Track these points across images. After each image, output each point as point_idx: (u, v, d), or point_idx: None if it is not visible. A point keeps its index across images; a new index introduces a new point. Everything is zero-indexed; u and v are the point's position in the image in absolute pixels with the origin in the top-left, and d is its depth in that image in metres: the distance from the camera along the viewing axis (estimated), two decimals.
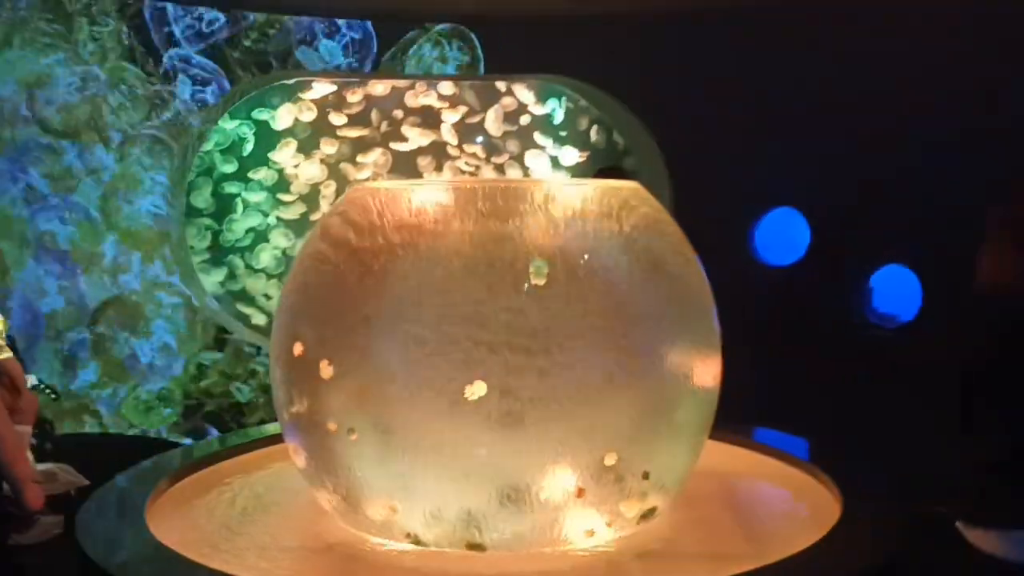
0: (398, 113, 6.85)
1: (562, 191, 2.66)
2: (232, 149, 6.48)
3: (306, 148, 6.67)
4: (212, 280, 6.41)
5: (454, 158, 6.99)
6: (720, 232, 5.94)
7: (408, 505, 2.51)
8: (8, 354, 3.96)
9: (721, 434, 3.39)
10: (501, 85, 6.93)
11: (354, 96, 6.71)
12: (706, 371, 2.71)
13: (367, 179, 6.73)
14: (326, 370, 2.51)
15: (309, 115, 6.61)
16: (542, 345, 2.46)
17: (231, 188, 6.46)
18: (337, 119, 6.70)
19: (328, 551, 2.56)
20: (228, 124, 6.40)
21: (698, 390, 2.66)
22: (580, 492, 2.52)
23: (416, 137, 6.88)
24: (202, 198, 6.40)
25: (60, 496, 3.79)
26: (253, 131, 6.51)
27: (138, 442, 5.35)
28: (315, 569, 2.45)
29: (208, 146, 6.35)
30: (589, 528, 2.56)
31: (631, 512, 2.61)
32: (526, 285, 2.49)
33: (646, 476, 2.56)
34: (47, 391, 4.93)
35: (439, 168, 6.96)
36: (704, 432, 2.80)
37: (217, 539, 2.58)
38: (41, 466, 4.41)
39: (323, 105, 6.67)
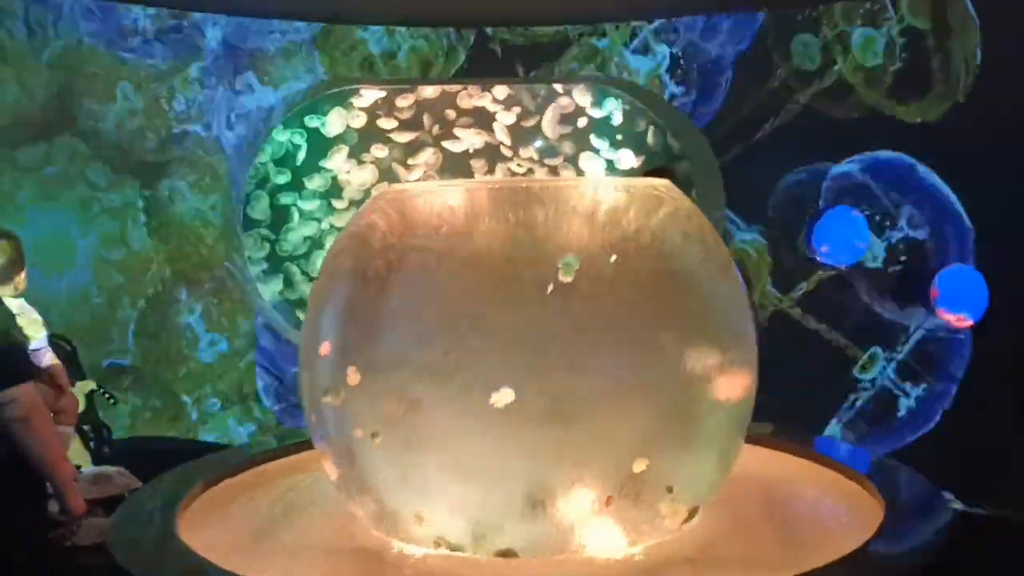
0: (450, 114, 6.87)
1: (590, 190, 2.62)
2: (285, 160, 6.58)
3: (357, 153, 6.75)
4: (271, 289, 6.52)
5: (508, 159, 6.98)
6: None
7: (434, 511, 2.48)
8: (51, 355, 4.05)
9: (766, 439, 3.36)
10: (558, 87, 6.91)
11: (404, 100, 6.75)
12: (737, 375, 2.62)
13: (417, 180, 6.79)
14: (352, 376, 2.51)
15: (359, 121, 6.67)
16: (568, 348, 2.42)
17: (286, 198, 6.57)
18: (387, 123, 6.75)
19: (355, 554, 2.56)
20: (281, 136, 6.50)
21: (729, 394, 2.58)
22: (608, 500, 2.47)
23: (469, 138, 6.89)
24: (259, 209, 6.51)
25: (116, 498, 3.89)
26: (305, 139, 6.60)
27: (193, 445, 5.45)
28: (339, 572, 2.44)
29: (263, 158, 6.47)
30: (618, 535, 2.50)
31: (661, 519, 2.55)
32: (550, 287, 2.46)
33: (669, 490, 2.50)
34: (105, 396, 5.06)
35: (492, 170, 6.96)
36: (739, 436, 2.72)
37: (247, 542, 2.59)
38: (97, 469, 4.54)
39: (373, 110, 6.74)
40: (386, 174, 6.79)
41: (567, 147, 7.02)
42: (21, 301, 3.82)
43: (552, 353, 2.42)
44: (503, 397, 2.38)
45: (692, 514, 2.66)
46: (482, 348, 2.43)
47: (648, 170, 5.61)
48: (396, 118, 6.78)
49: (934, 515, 2.67)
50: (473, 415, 2.39)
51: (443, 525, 2.49)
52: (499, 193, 2.60)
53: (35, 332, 3.99)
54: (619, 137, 6.93)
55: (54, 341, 5.29)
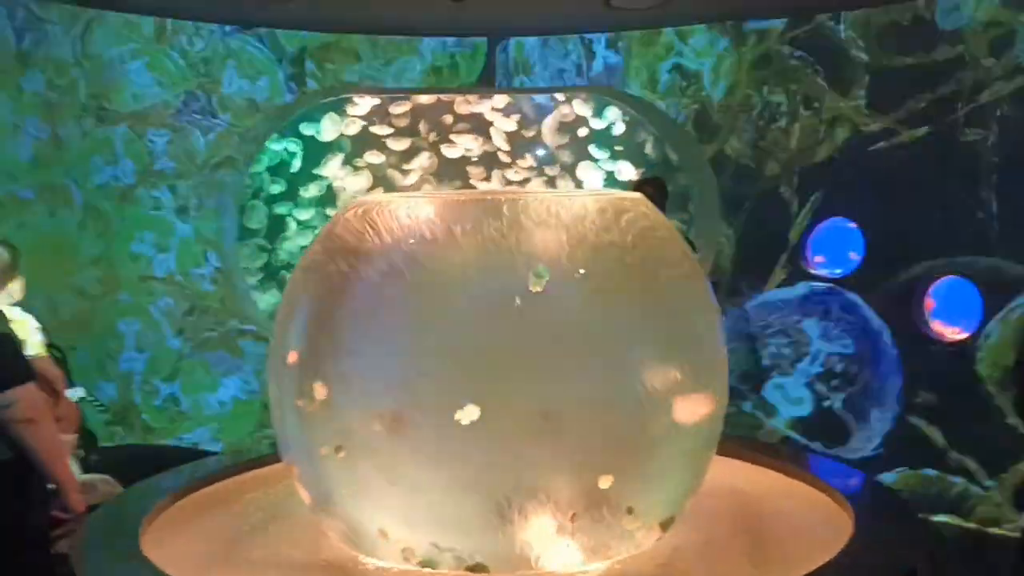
0: (447, 119, 6.88)
1: (560, 203, 2.61)
2: (280, 169, 6.61)
3: (352, 160, 6.77)
4: (266, 299, 6.54)
5: (505, 167, 6.99)
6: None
7: (398, 526, 2.47)
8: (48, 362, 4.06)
9: (735, 450, 3.35)
10: (559, 96, 6.92)
11: (399, 108, 6.78)
12: (704, 394, 2.60)
13: (412, 186, 6.81)
14: (319, 390, 2.50)
15: (354, 128, 6.70)
16: (533, 363, 2.41)
17: (281, 209, 6.59)
18: (382, 130, 6.78)
19: (320, 570, 2.54)
20: (276, 145, 6.53)
21: (695, 413, 2.56)
22: (573, 516, 2.45)
23: (466, 144, 6.89)
24: (256, 220, 6.54)
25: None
26: (301, 147, 6.63)
27: (178, 453, 5.45)
28: None
29: (258, 168, 6.49)
30: (584, 551, 2.48)
31: (628, 534, 2.53)
32: (517, 300, 2.45)
33: (630, 511, 2.48)
34: (95, 403, 5.08)
35: (488, 177, 6.98)
36: (707, 452, 2.71)
37: (212, 558, 2.58)
38: (83, 476, 4.55)
39: (368, 117, 6.77)
40: (381, 180, 6.80)
41: (566, 156, 7.03)
42: (17, 308, 3.83)
43: (517, 368, 2.41)
44: (468, 414, 2.36)
45: (664, 528, 2.65)
46: (446, 362, 2.42)
47: (639, 181, 5.60)
48: (391, 125, 6.80)
49: (904, 529, 2.65)
50: (437, 430, 2.38)
51: (407, 540, 2.47)
52: (468, 205, 2.59)
53: (31, 339, 4.01)
54: (619, 148, 6.93)
55: (51, 352, 5.35)
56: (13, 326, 2.86)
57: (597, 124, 6.94)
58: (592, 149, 6.96)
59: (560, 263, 2.47)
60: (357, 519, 2.54)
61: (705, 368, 2.63)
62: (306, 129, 6.60)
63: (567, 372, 2.43)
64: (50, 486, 2.82)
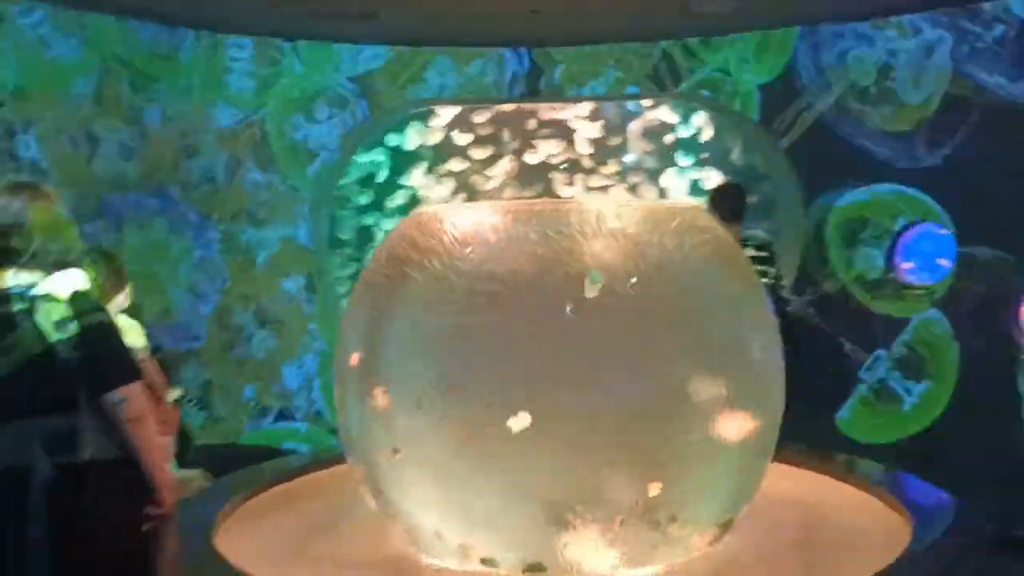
0: (530, 124, 6.94)
1: (613, 211, 2.65)
2: (367, 181, 6.83)
3: (435, 169, 6.96)
4: None
5: (588, 172, 7.04)
6: None
7: (452, 528, 2.56)
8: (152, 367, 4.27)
9: (798, 459, 3.33)
10: (647, 101, 6.94)
11: (481, 116, 6.92)
12: (758, 405, 2.63)
13: (493, 191, 6.94)
14: (377, 394, 2.61)
15: (436, 137, 6.88)
16: (584, 371, 2.47)
17: (368, 219, 6.81)
18: (464, 138, 6.93)
19: (380, 566, 2.65)
20: (363, 157, 6.76)
21: (746, 424, 2.58)
22: (621, 522, 2.49)
23: (548, 149, 6.97)
24: (346, 230, 6.79)
25: None
26: (387, 157, 6.84)
27: (270, 453, 5.67)
28: None
29: (346, 180, 6.74)
30: (632, 557, 2.52)
31: (680, 540, 2.56)
32: (568, 308, 2.51)
33: (677, 519, 2.52)
34: (193, 403, 5.35)
35: (571, 182, 7.05)
36: (760, 461, 2.71)
37: (279, 553, 2.72)
38: (180, 472, 4.80)
39: (450, 126, 6.93)
40: (463, 188, 6.95)
41: (651, 163, 7.03)
42: (124, 315, 4.07)
43: (567, 375, 2.46)
44: (520, 421, 2.42)
45: (715, 536, 2.67)
46: (499, 368, 2.49)
47: (717, 187, 5.57)
48: (473, 132, 6.95)
49: (964, 537, 2.61)
50: (490, 435, 2.44)
51: (462, 542, 2.56)
52: (521, 214, 2.66)
53: (137, 344, 4.25)
54: (705, 155, 6.90)
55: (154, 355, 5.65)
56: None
57: (684, 131, 6.92)
58: (678, 156, 6.94)
59: (611, 271, 2.52)
60: (414, 520, 2.64)
61: (755, 380, 2.64)
62: (391, 140, 6.80)
63: (615, 380, 2.48)
64: None
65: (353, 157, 6.65)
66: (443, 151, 6.93)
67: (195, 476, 4.50)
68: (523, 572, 2.52)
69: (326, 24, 5.57)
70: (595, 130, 6.98)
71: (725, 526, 2.71)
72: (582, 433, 2.44)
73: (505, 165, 6.97)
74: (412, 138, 6.83)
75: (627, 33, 5.86)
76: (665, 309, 2.56)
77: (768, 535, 2.84)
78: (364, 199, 6.79)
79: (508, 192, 6.91)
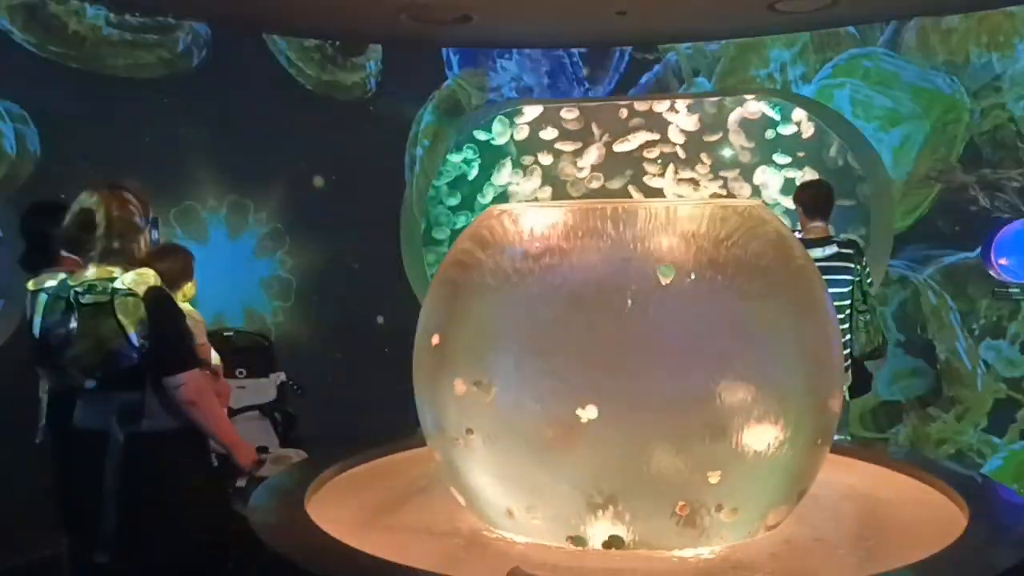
0: (623, 113, 7.11)
1: (676, 210, 2.78)
2: (458, 183, 7.10)
3: (523, 164, 7.19)
4: None
5: (680, 167, 7.15)
6: None
7: (522, 509, 2.75)
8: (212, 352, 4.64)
9: (863, 453, 3.42)
10: (746, 98, 7.00)
11: (570, 113, 7.10)
12: (816, 394, 2.76)
13: (583, 179, 7.14)
14: (452, 379, 2.83)
15: (523, 132, 7.09)
16: (646, 361, 2.62)
17: (460, 219, 7.08)
18: (552, 133, 7.13)
19: (451, 536, 2.87)
20: (455, 156, 7.03)
21: (802, 417, 2.71)
22: (683, 508, 2.65)
23: (639, 140, 7.10)
24: (440, 229, 7.07)
25: None
26: (476, 154, 7.10)
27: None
28: (431, 549, 2.74)
29: (439, 181, 7.03)
30: (693, 539, 2.69)
31: (732, 527, 2.71)
32: (629, 302, 2.67)
33: (735, 508, 2.66)
34: (295, 387, 5.70)
35: (662, 173, 7.18)
36: (817, 450, 2.83)
37: (361, 522, 2.96)
38: (279, 450, 5.16)
39: (537, 121, 7.14)
40: (551, 182, 7.16)
41: (748, 158, 7.08)
42: (187, 305, 4.43)
43: (628, 366, 2.62)
44: (588, 413, 2.59)
45: (771, 524, 2.80)
46: (566, 359, 2.65)
47: (803, 183, 5.60)
48: (562, 128, 7.15)
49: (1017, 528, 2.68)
50: (557, 421, 2.62)
51: (529, 521, 2.75)
52: (587, 212, 2.81)
53: (199, 332, 4.63)
54: (801, 153, 6.91)
55: (255, 337, 6.05)
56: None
57: (783, 129, 6.95)
58: (775, 154, 6.98)
59: (674, 267, 2.67)
60: (486, 498, 2.84)
61: (812, 371, 2.76)
62: (480, 135, 7.06)
63: (677, 372, 2.61)
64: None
65: (446, 157, 6.93)
66: (531, 147, 7.17)
67: (293, 454, 4.85)
68: (602, 545, 2.68)
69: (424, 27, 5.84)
70: (690, 124, 7.07)
71: (782, 511, 2.84)
72: (644, 421, 2.59)
73: (594, 159, 7.15)
74: (499, 133, 7.09)
75: (714, 32, 5.93)
76: (722, 304, 2.68)
77: (825, 521, 2.95)
78: (454, 200, 7.07)
79: (595, 184, 7.10)
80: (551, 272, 2.73)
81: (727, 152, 7.07)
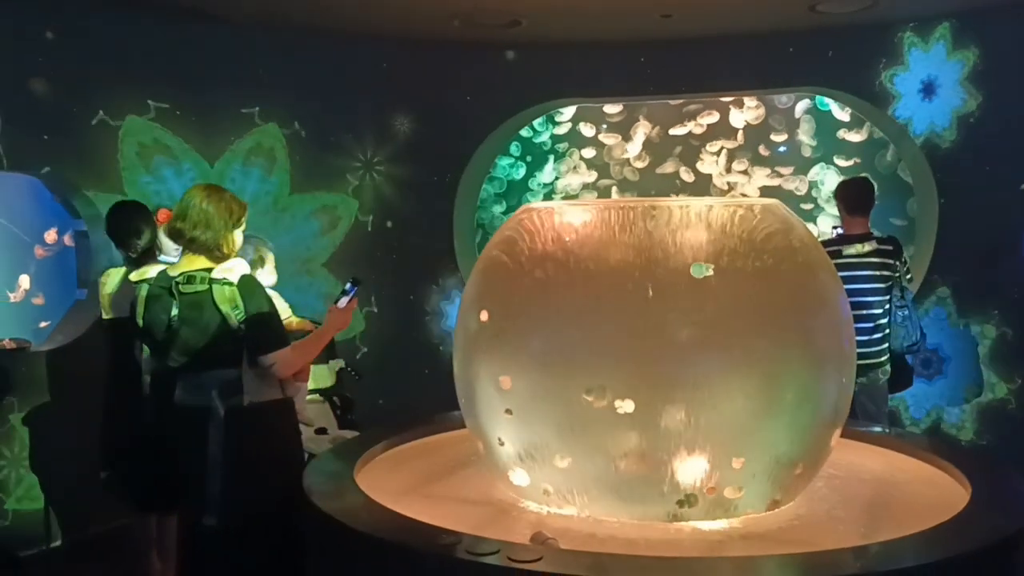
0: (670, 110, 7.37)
1: (699, 210, 2.98)
2: (504, 188, 7.43)
3: (567, 159, 7.46)
4: None
5: (739, 152, 7.33)
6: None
7: (548, 483, 3.01)
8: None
9: (880, 439, 3.60)
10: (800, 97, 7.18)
11: (614, 108, 7.35)
12: (826, 382, 2.97)
13: (627, 163, 7.43)
14: (492, 365, 3.08)
15: (565, 128, 7.40)
16: (666, 351, 2.85)
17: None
18: (595, 129, 7.45)
19: (484, 505, 3.13)
20: (504, 161, 7.36)
21: (815, 404, 2.95)
22: (711, 491, 2.88)
23: (693, 126, 7.39)
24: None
25: None
26: (520, 151, 7.39)
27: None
28: (464, 515, 2.99)
29: (488, 187, 7.34)
30: (716, 513, 2.92)
31: (748, 504, 2.93)
32: (650, 291, 2.90)
33: (737, 487, 2.88)
34: (352, 373, 6.01)
35: (717, 160, 7.38)
36: (827, 431, 3.03)
37: (404, 491, 3.23)
38: (340, 432, 5.48)
39: (581, 117, 7.42)
40: (601, 168, 7.44)
41: (807, 152, 7.23)
42: (273, 292, 4.76)
43: (650, 352, 2.85)
44: (625, 406, 2.82)
45: (776, 503, 3.02)
46: (594, 343, 2.88)
47: (844, 181, 5.73)
48: (606, 122, 7.40)
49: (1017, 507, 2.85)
50: (587, 404, 2.85)
51: (561, 497, 2.99)
52: (614, 211, 3.03)
53: (284, 313, 4.96)
54: (857, 159, 7.06)
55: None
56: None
57: (849, 133, 7.11)
58: (837, 156, 7.15)
59: (691, 263, 2.89)
60: (519, 472, 3.10)
61: (823, 362, 2.97)
62: (525, 133, 7.36)
63: (696, 362, 2.85)
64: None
65: (495, 161, 7.23)
66: (576, 144, 7.44)
67: (348, 434, 5.17)
68: (677, 503, 2.89)
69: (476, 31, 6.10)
70: (751, 116, 7.25)
71: (794, 490, 3.05)
72: (669, 410, 2.82)
73: (640, 144, 7.40)
74: (542, 131, 7.37)
75: (754, 30, 6.08)
76: (739, 297, 2.89)
77: (836, 500, 3.15)
78: (499, 209, 7.35)
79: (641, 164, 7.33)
80: (579, 263, 2.97)
81: (786, 146, 7.24)
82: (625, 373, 2.86)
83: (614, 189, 7.55)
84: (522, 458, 3.06)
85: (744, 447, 2.88)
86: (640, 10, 5.64)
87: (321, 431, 5.44)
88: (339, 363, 6.02)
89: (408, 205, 6.84)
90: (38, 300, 5.80)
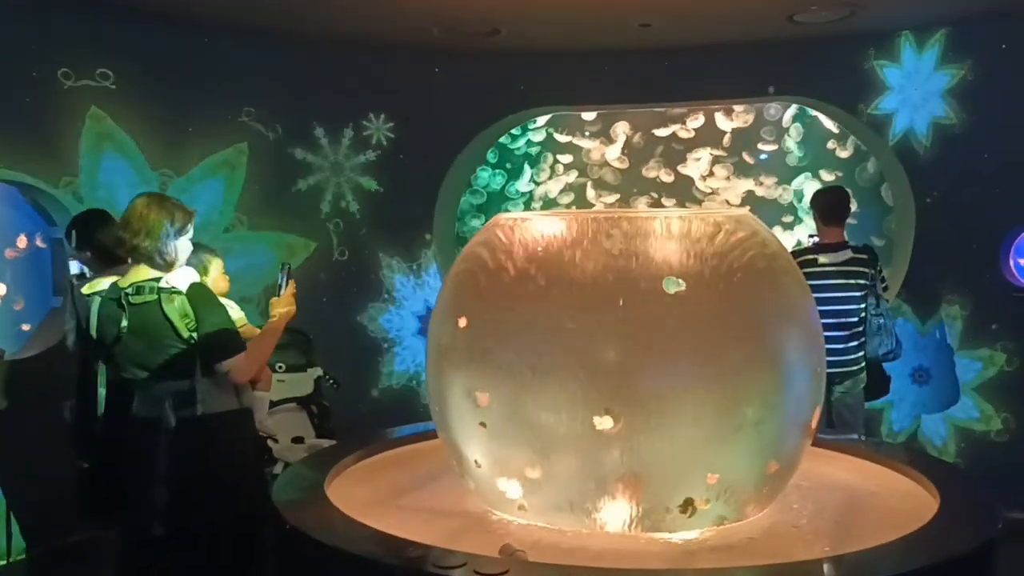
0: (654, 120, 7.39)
1: (670, 221, 2.99)
2: (482, 200, 7.46)
3: (542, 166, 7.52)
4: None
5: (724, 159, 7.37)
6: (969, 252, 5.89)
7: (526, 498, 3.00)
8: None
9: (858, 450, 3.61)
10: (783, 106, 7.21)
11: (590, 115, 7.39)
12: (796, 395, 2.97)
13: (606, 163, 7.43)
14: (465, 378, 3.06)
15: (540, 135, 7.44)
16: (629, 365, 2.85)
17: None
18: (572, 136, 7.47)
19: (455, 517, 3.12)
20: (483, 173, 7.38)
21: (782, 416, 2.95)
22: (683, 504, 2.88)
23: (676, 127, 7.40)
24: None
25: None
26: (495, 159, 7.43)
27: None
28: (434, 527, 2.98)
29: (469, 198, 7.36)
30: (678, 524, 2.92)
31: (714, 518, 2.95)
32: (621, 301, 2.89)
33: (705, 501, 2.89)
34: (330, 381, 5.99)
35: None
36: (799, 441, 3.05)
37: (374, 503, 3.22)
38: (313, 440, 5.46)
39: (560, 125, 7.45)
40: (576, 184, 7.47)
41: (792, 161, 7.27)
42: (227, 299, 4.73)
43: (624, 368, 2.85)
44: (603, 423, 2.81)
45: (759, 508, 3.02)
46: (564, 361, 2.87)
47: (819, 190, 5.76)
48: (583, 131, 7.45)
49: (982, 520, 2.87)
50: (557, 418, 2.85)
51: (533, 509, 2.99)
52: (588, 222, 3.04)
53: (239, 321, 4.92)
54: (840, 173, 7.10)
55: (294, 333, 6.34)
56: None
57: (835, 145, 7.15)
58: (823, 169, 7.20)
59: (662, 274, 2.89)
60: (491, 484, 3.08)
61: (792, 373, 2.97)
62: (505, 149, 7.43)
63: (672, 374, 2.86)
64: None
65: (473, 175, 7.25)
66: (553, 149, 7.47)
67: (325, 442, 5.16)
68: (678, 507, 2.88)
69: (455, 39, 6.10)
70: (739, 121, 7.28)
71: (765, 500, 3.05)
72: (645, 424, 2.82)
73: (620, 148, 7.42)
74: (519, 139, 7.40)
75: (733, 40, 6.11)
76: (709, 310, 2.90)
77: (810, 512, 3.16)
78: (478, 223, 7.36)
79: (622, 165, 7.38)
80: (548, 274, 2.96)
81: (770, 154, 7.27)
82: (596, 387, 2.85)
83: (589, 185, 7.55)
84: (495, 471, 3.05)
85: (715, 458, 2.87)
86: (619, 19, 5.65)
87: (298, 440, 5.43)
88: (317, 371, 6.01)
89: (387, 214, 6.80)
90: (18, 306, 5.76)
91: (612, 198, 7.54)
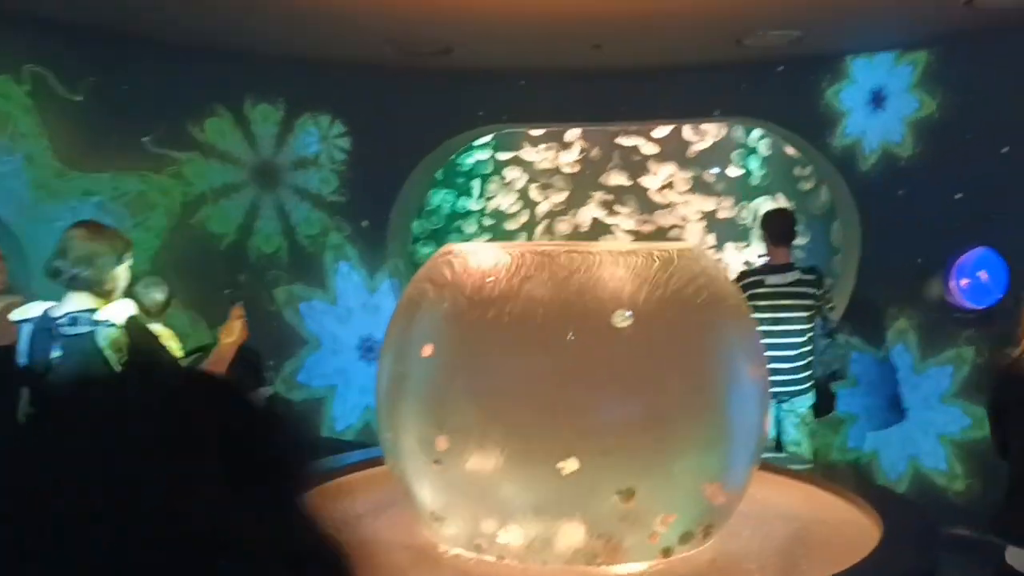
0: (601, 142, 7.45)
1: (616, 255, 3.03)
2: (435, 223, 7.48)
3: (494, 181, 7.58)
4: None
5: (661, 191, 7.43)
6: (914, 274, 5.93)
7: (479, 534, 3.00)
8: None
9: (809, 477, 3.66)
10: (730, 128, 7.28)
11: (539, 131, 7.45)
12: (742, 423, 3.00)
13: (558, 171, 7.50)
14: (410, 411, 3.06)
15: (487, 152, 7.50)
16: (577, 393, 2.88)
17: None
18: (525, 152, 7.54)
19: (403, 550, 3.11)
20: (436, 197, 7.40)
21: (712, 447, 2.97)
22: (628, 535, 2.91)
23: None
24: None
25: None
26: (452, 190, 7.49)
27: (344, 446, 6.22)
28: (384, 560, 2.96)
29: (423, 219, 7.36)
30: (627, 556, 2.93)
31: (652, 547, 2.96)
32: (570, 335, 2.91)
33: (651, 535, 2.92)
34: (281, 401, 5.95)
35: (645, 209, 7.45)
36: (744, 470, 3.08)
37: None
38: None
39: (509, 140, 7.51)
40: (524, 197, 7.53)
41: (755, 181, 7.34)
42: (159, 326, 4.68)
43: (563, 395, 2.88)
44: (569, 465, 2.82)
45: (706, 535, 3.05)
46: (513, 395, 2.91)
47: (767, 212, 5.83)
48: (533, 145, 7.52)
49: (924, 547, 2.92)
50: (506, 451, 2.86)
51: (486, 542, 2.99)
52: (535, 254, 3.06)
53: (173, 347, 4.88)
54: (780, 194, 7.20)
55: (244, 352, 6.27)
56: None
57: (759, 159, 7.23)
58: (753, 182, 7.27)
59: (609, 307, 2.92)
60: (443, 519, 3.08)
61: (737, 402, 3.01)
62: (456, 170, 7.45)
63: (618, 406, 2.90)
64: None
65: (426, 196, 7.26)
66: (509, 173, 7.49)
67: None
68: (596, 548, 2.89)
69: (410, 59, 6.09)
70: (692, 140, 7.34)
71: (711, 527, 3.09)
72: (577, 450, 2.83)
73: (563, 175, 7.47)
74: (476, 164, 7.41)
75: (685, 63, 6.18)
76: (655, 340, 2.93)
77: (750, 535, 3.20)
78: (429, 249, 7.31)
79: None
80: (494, 307, 2.97)
81: (730, 173, 7.34)
82: (544, 422, 2.87)
83: (533, 187, 7.58)
84: (446, 507, 3.05)
85: (660, 489, 2.90)
86: (571, 41, 5.69)
87: None
88: (268, 391, 5.95)
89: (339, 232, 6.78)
90: None
91: (561, 196, 7.53)
